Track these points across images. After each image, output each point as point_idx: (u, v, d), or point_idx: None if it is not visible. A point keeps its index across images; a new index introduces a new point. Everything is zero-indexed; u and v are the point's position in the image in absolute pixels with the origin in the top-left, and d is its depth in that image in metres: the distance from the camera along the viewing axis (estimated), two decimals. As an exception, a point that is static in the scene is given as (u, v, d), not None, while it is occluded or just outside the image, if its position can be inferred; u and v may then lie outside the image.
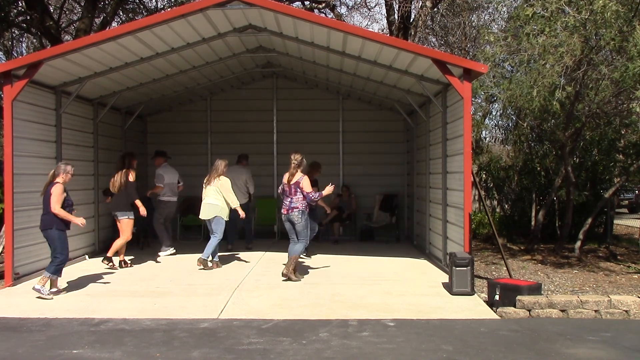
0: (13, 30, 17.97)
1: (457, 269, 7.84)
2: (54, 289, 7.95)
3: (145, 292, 8.23)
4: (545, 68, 9.77)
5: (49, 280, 7.85)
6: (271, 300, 7.66)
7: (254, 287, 8.47)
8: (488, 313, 7.05)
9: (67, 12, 19.49)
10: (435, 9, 19.05)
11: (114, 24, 16.86)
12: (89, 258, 11.30)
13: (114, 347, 5.74)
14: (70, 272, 9.88)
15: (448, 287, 8.08)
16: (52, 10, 17.14)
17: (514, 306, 7.02)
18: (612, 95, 10.73)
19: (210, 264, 10.03)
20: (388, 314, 6.95)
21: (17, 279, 8.78)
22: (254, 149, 14.04)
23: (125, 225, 9.99)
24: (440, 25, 20.31)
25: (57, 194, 7.77)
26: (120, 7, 16.59)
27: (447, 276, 8.28)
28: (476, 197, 15.75)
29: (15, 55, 19.78)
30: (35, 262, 9.46)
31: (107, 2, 16.73)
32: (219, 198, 9.98)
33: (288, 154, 14.03)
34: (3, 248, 9.88)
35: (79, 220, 7.96)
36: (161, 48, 10.13)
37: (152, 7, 17.97)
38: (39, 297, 7.66)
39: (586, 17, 9.42)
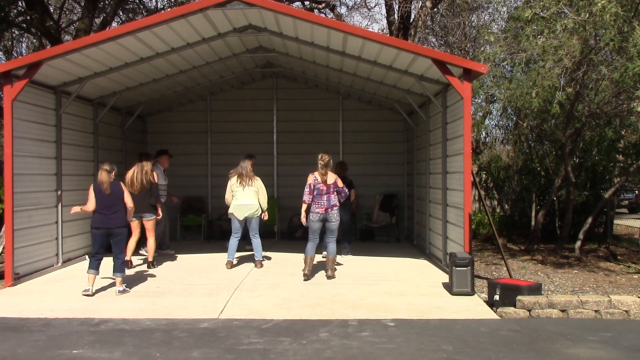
0: (13, 30, 17.97)
1: (457, 269, 7.84)
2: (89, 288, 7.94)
3: (145, 292, 8.23)
4: (544, 69, 9.77)
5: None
6: (271, 300, 7.67)
7: (254, 287, 8.47)
8: (488, 313, 7.05)
9: (67, 12, 19.49)
10: (435, 9, 19.05)
11: (114, 24, 16.86)
12: (89, 258, 11.28)
13: (114, 347, 5.74)
14: (70, 272, 9.91)
15: (448, 287, 8.09)
16: (52, 10, 17.14)
17: (514, 306, 7.02)
18: (612, 96, 10.73)
19: (263, 262, 10.24)
20: (388, 314, 6.95)
21: (17, 279, 8.78)
22: (254, 149, 13.98)
23: (151, 225, 10.05)
24: (440, 25, 20.31)
25: (128, 191, 8.07)
26: (120, 7, 16.59)
27: (447, 276, 8.28)
28: (476, 197, 15.75)
29: (15, 55, 19.78)
30: (35, 262, 9.47)
31: (107, 2, 16.73)
32: (256, 198, 10.02)
33: (288, 154, 14.23)
34: (3, 248, 9.88)
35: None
36: (161, 48, 10.13)
37: (152, 7, 17.98)
38: (122, 293, 7.96)
39: (585, 18, 9.42)
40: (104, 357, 5.47)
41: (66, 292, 8.23)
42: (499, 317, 6.90)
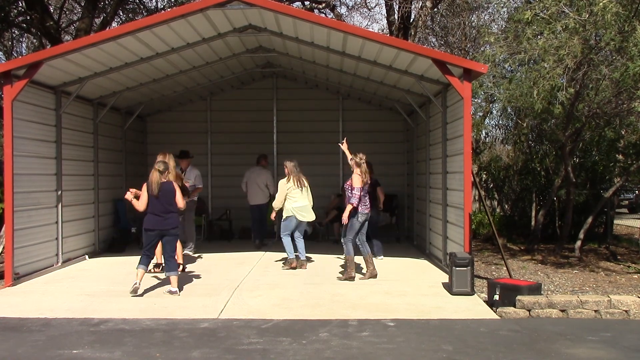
0: (13, 30, 17.98)
1: (457, 269, 7.84)
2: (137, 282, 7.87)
3: (145, 292, 8.21)
4: (545, 69, 9.77)
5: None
6: (271, 300, 7.66)
7: (254, 287, 8.47)
8: (488, 313, 7.05)
9: (67, 12, 19.49)
10: (435, 9, 19.05)
11: (114, 24, 16.86)
12: (89, 258, 11.30)
13: (114, 347, 5.74)
14: (70, 272, 9.91)
15: (448, 287, 8.08)
16: (52, 10, 17.14)
17: (514, 306, 7.02)
18: (613, 95, 10.73)
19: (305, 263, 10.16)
20: (388, 314, 6.95)
21: (17, 279, 8.78)
22: (254, 149, 14.03)
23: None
24: (440, 25, 20.31)
25: (180, 191, 7.92)
26: (120, 7, 16.59)
27: (447, 276, 8.27)
28: (476, 197, 15.75)
29: (15, 55, 19.78)
30: (35, 262, 9.47)
31: (107, 2, 16.73)
32: (310, 199, 10.03)
33: (288, 154, 14.21)
34: (3, 248, 9.88)
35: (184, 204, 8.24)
36: (161, 48, 10.13)
37: (152, 7, 17.98)
38: (172, 294, 7.81)
39: (586, 18, 9.42)
40: (104, 357, 5.47)
41: (66, 292, 8.23)
42: (499, 317, 6.90)
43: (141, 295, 7.82)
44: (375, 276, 9.04)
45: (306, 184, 10.02)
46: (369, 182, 8.98)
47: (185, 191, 9.62)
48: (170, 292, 7.85)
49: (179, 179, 9.00)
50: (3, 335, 6.17)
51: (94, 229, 11.85)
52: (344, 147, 9.46)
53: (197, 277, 9.32)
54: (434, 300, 7.68)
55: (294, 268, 9.93)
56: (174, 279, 7.91)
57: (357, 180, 8.81)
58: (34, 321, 6.70)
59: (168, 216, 7.81)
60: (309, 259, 10.51)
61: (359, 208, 8.86)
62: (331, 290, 8.28)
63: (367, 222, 9.04)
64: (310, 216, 10.06)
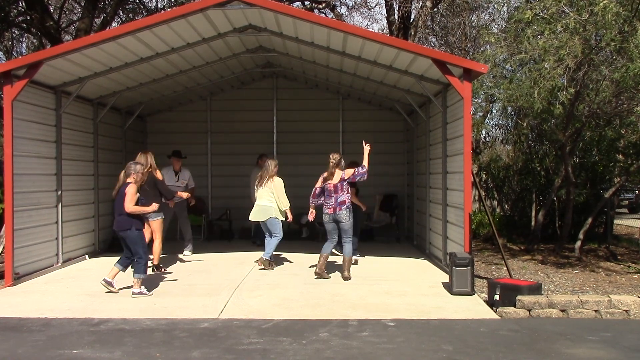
0: (13, 30, 17.98)
1: (457, 269, 7.84)
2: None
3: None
4: (546, 69, 9.77)
5: (142, 280, 7.91)
6: (271, 300, 7.67)
7: (254, 287, 8.47)
8: (488, 313, 7.05)
9: (67, 12, 19.49)
10: (436, 9, 19.05)
11: (114, 24, 16.86)
12: (89, 258, 11.31)
13: (114, 347, 5.74)
14: (70, 272, 9.91)
15: (448, 287, 8.09)
16: (52, 10, 17.14)
17: (514, 306, 7.02)
18: (613, 96, 10.74)
19: (270, 265, 9.95)
20: (388, 314, 6.95)
21: (17, 279, 8.78)
22: (254, 149, 14.04)
23: (157, 226, 9.53)
24: (440, 25, 20.31)
25: (131, 193, 7.79)
26: (120, 7, 16.59)
27: (447, 276, 8.28)
28: (476, 197, 15.75)
29: (15, 55, 19.78)
30: (35, 262, 9.47)
31: (107, 2, 16.73)
32: (272, 199, 9.84)
33: (288, 154, 14.24)
34: (3, 248, 9.88)
35: (151, 208, 8.07)
36: (161, 48, 10.12)
37: (152, 7, 17.98)
38: (137, 295, 7.80)
39: (586, 18, 9.42)
40: (104, 357, 5.47)
41: (66, 292, 8.23)
42: (499, 317, 6.90)
43: (114, 289, 7.98)
44: (319, 276, 8.99)
45: (267, 184, 9.81)
46: (335, 182, 8.96)
47: (168, 191, 9.63)
48: (133, 294, 7.80)
49: (143, 176, 8.70)
50: (3, 335, 6.17)
51: (94, 229, 11.85)
52: (366, 150, 9.28)
53: (197, 277, 9.32)
54: (434, 300, 7.68)
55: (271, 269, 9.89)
56: (135, 281, 7.85)
57: (319, 179, 9.03)
58: (34, 321, 6.70)
59: (119, 218, 7.86)
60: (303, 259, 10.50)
61: (322, 208, 9.06)
62: (331, 290, 8.28)
63: (338, 223, 8.98)
64: (258, 216, 9.89)
